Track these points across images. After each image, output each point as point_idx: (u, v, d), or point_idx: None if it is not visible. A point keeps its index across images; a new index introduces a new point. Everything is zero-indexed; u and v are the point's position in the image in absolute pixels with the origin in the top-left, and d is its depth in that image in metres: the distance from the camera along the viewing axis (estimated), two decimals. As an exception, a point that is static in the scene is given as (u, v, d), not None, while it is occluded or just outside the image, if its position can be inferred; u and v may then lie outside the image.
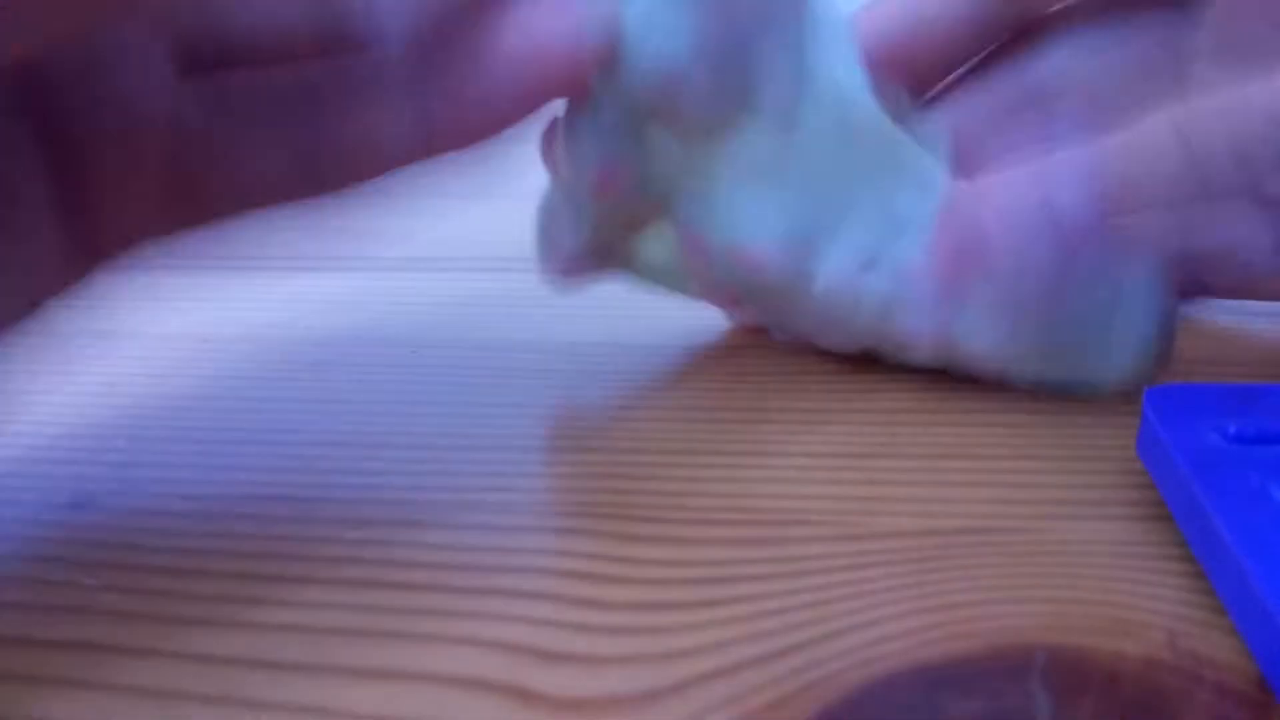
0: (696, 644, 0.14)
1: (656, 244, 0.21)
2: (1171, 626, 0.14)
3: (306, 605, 0.15)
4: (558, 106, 0.19)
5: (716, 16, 0.18)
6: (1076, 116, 0.20)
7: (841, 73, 0.20)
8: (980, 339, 0.19)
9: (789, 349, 0.23)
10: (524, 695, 0.13)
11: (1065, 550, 0.16)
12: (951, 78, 0.21)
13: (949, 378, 0.22)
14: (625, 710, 0.13)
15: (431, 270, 0.29)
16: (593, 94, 0.19)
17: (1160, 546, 0.16)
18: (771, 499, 0.18)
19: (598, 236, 0.21)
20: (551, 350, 0.24)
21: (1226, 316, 0.25)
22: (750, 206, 0.20)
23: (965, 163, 0.20)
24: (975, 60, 0.21)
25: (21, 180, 0.17)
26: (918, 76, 0.21)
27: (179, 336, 0.25)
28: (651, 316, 0.23)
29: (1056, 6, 0.21)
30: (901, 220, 0.20)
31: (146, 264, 0.18)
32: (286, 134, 0.18)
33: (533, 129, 0.19)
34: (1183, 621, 0.14)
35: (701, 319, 0.24)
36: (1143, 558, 0.16)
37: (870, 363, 0.23)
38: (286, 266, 0.28)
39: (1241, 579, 0.14)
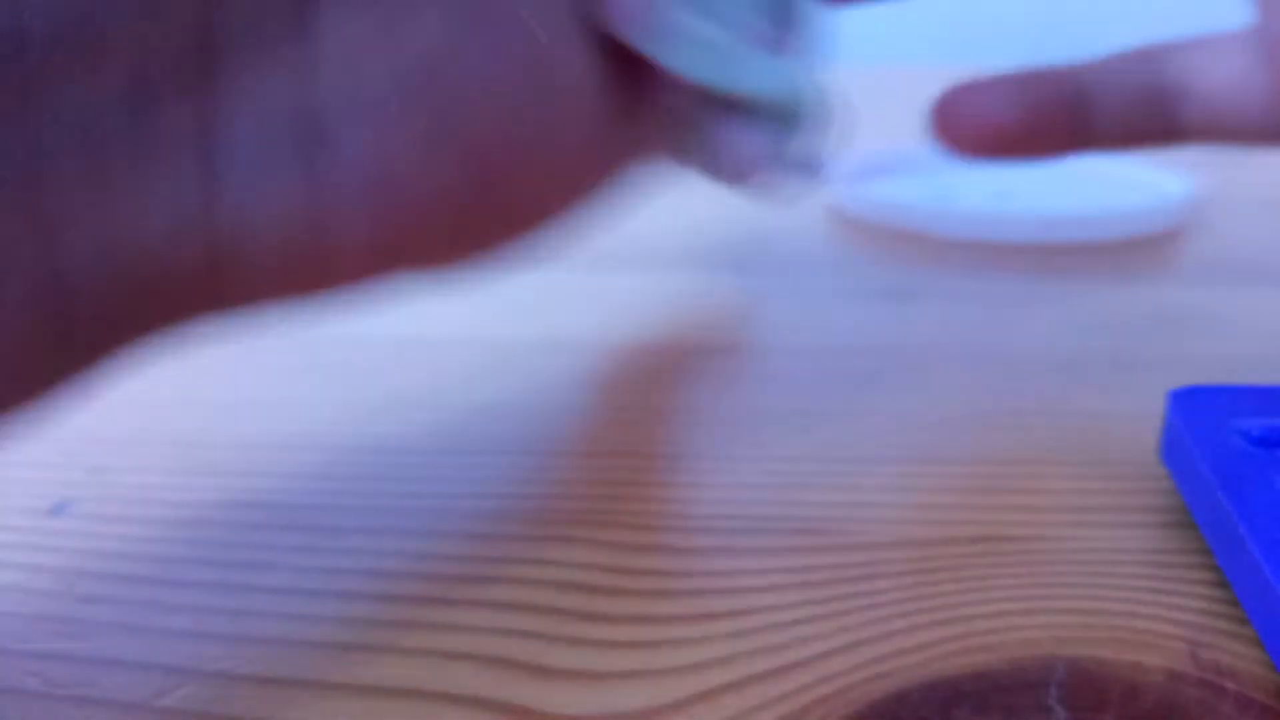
0: (699, 659, 0.14)
1: None
2: (1194, 638, 0.14)
3: (292, 617, 0.15)
4: None
5: None
6: None
7: None
8: None
9: (797, 350, 0.23)
10: (519, 712, 0.13)
11: (1084, 559, 0.16)
12: None
13: (961, 379, 0.21)
14: (626, 729, 0.13)
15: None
16: None
17: (1183, 554, 0.16)
18: (777, 506, 0.18)
19: None
20: (547, 350, 0.24)
21: (1252, 312, 0.25)
22: None
23: None
24: None
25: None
26: None
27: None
28: (653, 317, 0.22)
29: None
30: None
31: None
32: None
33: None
34: (1205, 632, 0.14)
35: (701, 321, 0.24)
36: (1165, 566, 0.16)
37: (880, 364, 0.22)
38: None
39: (1265, 588, 0.13)
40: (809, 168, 0.19)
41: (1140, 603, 0.15)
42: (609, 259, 0.27)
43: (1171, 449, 0.16)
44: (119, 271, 0.13)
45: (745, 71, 0.18)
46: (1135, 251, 0.30)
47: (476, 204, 0.16)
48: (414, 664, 0.14)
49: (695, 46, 0.18)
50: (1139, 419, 0.20)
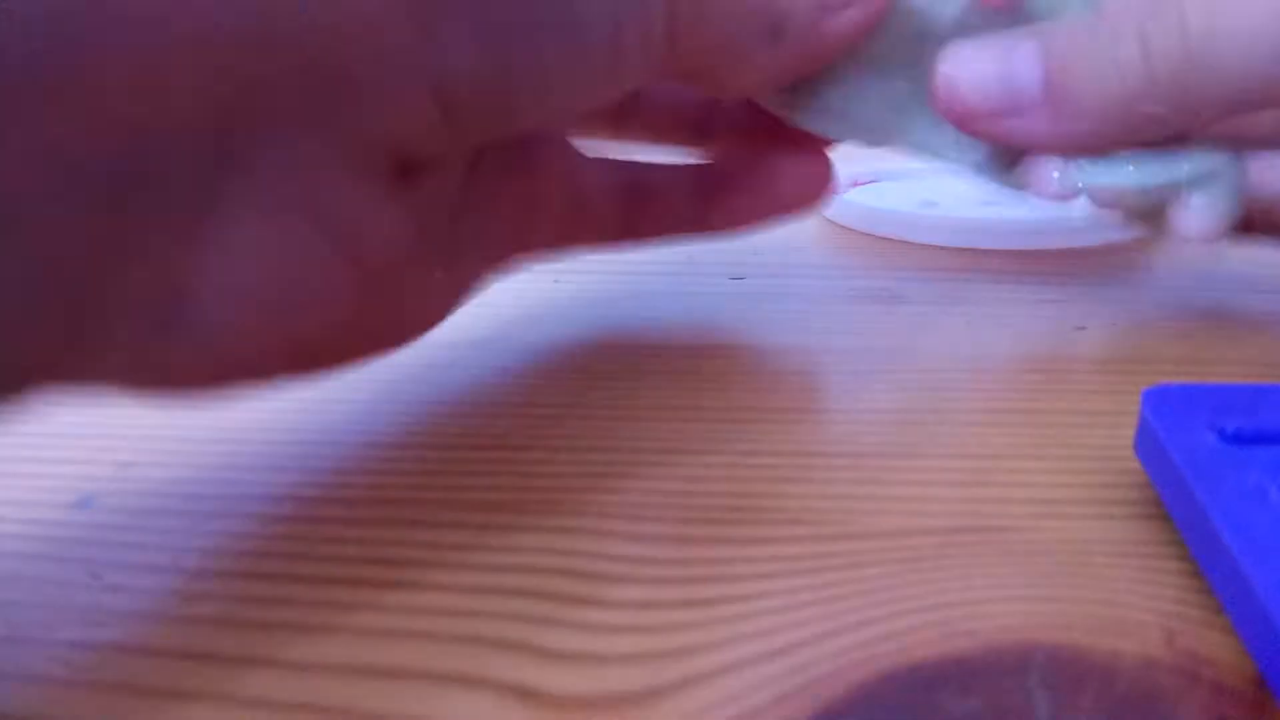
0: (696, 642, 0.14)
1: None
2: (1169, 625, 0.14)
3: (307, 603, 0.15)
4: None
5: None
6: None
7: None
8: None
9: (786, 349, 0.23)
10: (525, 693, 0.13)
11: (1063, 549, 0.16)
12: None
13: (946, 378, 0.22)
14: (625, 708, 0.13)
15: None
16: None
17: (1158, 546, 0.16)
18: (770, 498, 0.18)
19: None
20: (548, 349, 0.24)
21: (1223, 315, 0.25)
22: None
23: None
24: None
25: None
26: None
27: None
28: (651, 317, 0.23)
29: None
30: None
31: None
32: None
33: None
34: (1180, 620, 0.14)
35: (694, 317, 0.24)
36: (1140, 557, 0.16)
37: (869, 364, 0.23)
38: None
39: (1239, 578, 0.14)
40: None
41: (1116, 591, 0.15)
42: (603, 261, 0.27)
43: (1146, 445, 0.17)
44: None
45: None
46: (1111, 257, 0.30)
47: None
48: (425, 647, 0.14)
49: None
50: (1115, 416, 0.20)
